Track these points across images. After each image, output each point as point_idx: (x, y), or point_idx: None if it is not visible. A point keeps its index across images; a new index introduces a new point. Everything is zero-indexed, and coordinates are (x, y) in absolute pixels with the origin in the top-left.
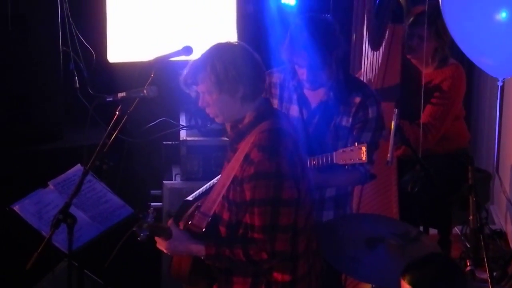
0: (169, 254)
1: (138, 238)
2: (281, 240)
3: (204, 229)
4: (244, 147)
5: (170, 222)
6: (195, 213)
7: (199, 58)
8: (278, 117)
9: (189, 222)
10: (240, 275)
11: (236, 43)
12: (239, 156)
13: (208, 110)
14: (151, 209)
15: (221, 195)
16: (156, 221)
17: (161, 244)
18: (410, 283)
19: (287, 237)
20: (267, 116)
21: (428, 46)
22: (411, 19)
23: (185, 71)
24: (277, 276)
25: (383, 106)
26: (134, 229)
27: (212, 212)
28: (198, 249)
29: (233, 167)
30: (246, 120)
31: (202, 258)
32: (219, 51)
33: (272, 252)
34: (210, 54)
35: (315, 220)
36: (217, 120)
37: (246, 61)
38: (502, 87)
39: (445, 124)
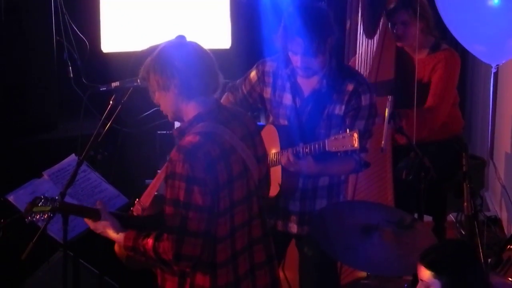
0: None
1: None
2: (189, 244)
3: (140, 219)
4: None
5: (99, 203)
6: (135, 202)
7: (149, 57)
8: (219, 121)
9: (131, 209)
10: (170, 273)
11: (183, 42)
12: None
13: (160, 107)
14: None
15: (156, 188)
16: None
17: (89, 224)
18: (428, 267)
19: (197, 242)
20: (207, 118)
21: (414, 29)
22: (389, 8)
23: (141, 69)
24: (199, 280)
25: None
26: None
27: (148, 204)
28: (119, 238)
29: (167, 164)
30: (186, 119)
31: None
32: (162, 51)
33: (177, 254)
34: (155, 54)
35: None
36: (168, 117)
37: (186, 60)
38: (496, 74)
39: (446, 101)
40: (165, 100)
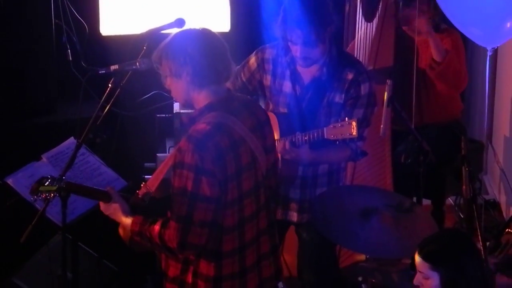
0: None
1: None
2: (194, 233)
3: (146, 202)
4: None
5: (109, 188)
6: (142, 186)
7: (163, 42)
8: (230, 111)
9: (137, 191)
10: (173, 259)
11: (199, 30)
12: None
13: (171, 93)
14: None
15: (163, 173)
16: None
17: (100, 205)
18: (425, 259)
19: (202, 231)
20: (218, 108)
21: (424, 17)
22: None
23: (154, 53)
24: (203, 268)
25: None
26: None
27: (154, 188)
28: (126, 222)
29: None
30: (197, 107)
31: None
32: (176, 37)
33: (182, 243)
34: (169, 40)
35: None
36: (179, 104)
37: (199, 48)
38: (493, 57)
39: (463, 63)
40: (176, 87)
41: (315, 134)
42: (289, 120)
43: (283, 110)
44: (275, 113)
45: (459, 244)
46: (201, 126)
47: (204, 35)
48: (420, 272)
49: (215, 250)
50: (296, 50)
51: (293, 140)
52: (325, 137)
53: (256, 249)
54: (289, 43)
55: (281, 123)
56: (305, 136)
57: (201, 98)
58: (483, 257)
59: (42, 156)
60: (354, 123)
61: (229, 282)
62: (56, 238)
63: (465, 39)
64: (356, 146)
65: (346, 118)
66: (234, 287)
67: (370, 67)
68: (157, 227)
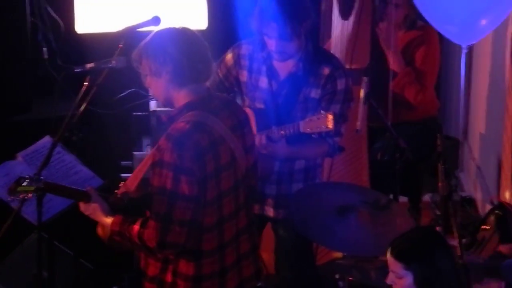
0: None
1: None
2: (174, 232)
3: (125, 201)
4: None
5: (89, 188)
6: (120, 185)
7: (143, 41)
8: (209, 110)
9: (115, 191)
10: (153, 258)
11: (179, 29)
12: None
13: (150, 91)
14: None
15: (142, 173)
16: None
17: (80, 205)
18: (398, 259)
19: (182, 230)
20: (197, 107)
21: (400, 12)
22: None
23: (134, 52)
24: (182, 267)
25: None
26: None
27: (133, 187)
28: (106, 222)
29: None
30: (177, 105)
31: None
32: (156, 36)
33: (162, 242)
34: (149, 39)
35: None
36: (160, 102)
37: (179, 47)
38: (468, 54)
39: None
40: (156, 86)
41: (291, 128)
42: (265, 115)
43: (259, 105)
44: (251, 109)
45: (431, 241)
46: (180, 125)
47: (185, 34)
48: (393, 271)
49: (195, 250)
50: (272, 44)
51: (270, 134)
52: (301, 130)
53: (236, 249)
54: (265, 37)
55: (257, 119)
56: (281, 130)
57: (181, 97)
58: (459, 253)
59: (17, 154)
60: (330, 116)
61: (208, 282)
62: (31, 237)
63: (440, 37)
64: (333, 142)
65: (322, 111)
66: (214, 287)
67: (347, 66)
68: (136, 226)
